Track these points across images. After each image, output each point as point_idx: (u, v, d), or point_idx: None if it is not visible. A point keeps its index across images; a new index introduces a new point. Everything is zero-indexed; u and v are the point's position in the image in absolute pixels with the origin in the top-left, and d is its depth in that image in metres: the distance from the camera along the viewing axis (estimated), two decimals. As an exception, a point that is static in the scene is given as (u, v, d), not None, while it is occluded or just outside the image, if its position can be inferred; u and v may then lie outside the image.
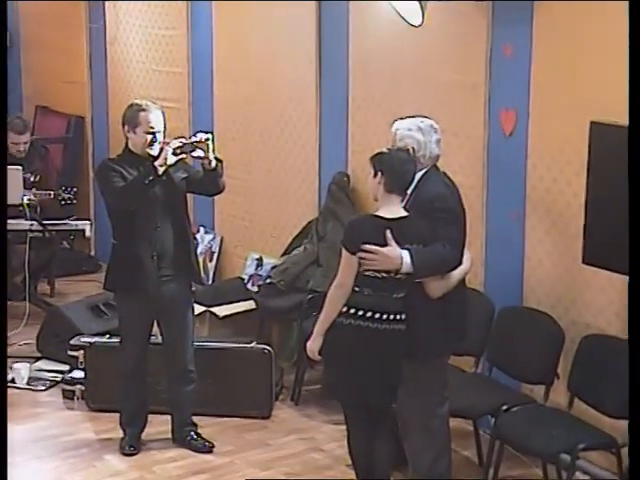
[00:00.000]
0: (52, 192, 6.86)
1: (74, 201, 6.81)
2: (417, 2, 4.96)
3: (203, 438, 5.19)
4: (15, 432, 5.36)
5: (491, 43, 5.09)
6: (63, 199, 6.72)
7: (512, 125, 5.04)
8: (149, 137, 4.88)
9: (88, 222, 7.07)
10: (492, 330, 4.73)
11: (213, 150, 4.85)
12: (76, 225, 6.90)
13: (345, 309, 4.02)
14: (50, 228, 6.75)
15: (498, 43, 5.06)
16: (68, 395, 5.76)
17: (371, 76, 5.84)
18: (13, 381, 5.96)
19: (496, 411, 4.52)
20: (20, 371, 5.99)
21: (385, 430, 4.27)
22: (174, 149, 4.77)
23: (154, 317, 5.11)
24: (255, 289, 6.16)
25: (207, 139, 4.80)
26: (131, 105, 4.98)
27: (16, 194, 6.64)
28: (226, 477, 4.89)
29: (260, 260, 6.51)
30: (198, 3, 7.14)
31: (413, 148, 4.20)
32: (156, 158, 4.80)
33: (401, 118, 4.31)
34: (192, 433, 5.19)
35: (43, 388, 5.95)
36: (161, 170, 4.76)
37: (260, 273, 6.37)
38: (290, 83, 6.41)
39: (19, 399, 5.79)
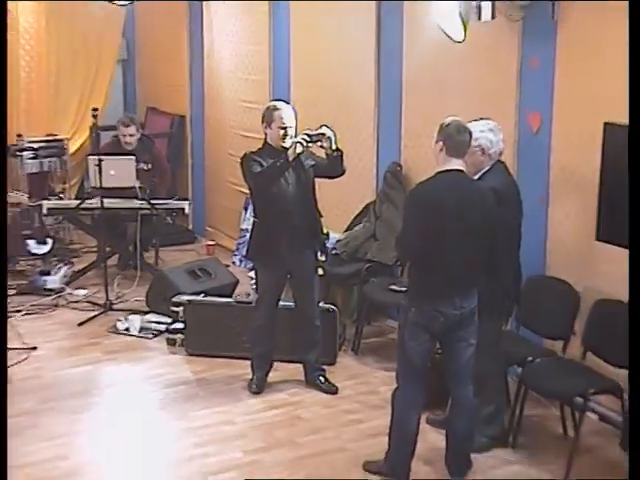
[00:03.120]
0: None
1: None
2: (460, 21, 4.90)
3: (329, 382, 5.21)
4: (130, 371, 5.53)
5: (521, 56, 5.06)
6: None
7: (538, 124, 5.02)
8: (282, 132, 4.90)
9: (187, 202, 7.12)
10: (521, 294, 4.73)
11: (335, 142, 4.87)
12: (177, 204, 6.96)
13: None
14: (156, 207, 6.83)
15: (527, 56, 5.04)
16: (171, 342, 5.86)
17: (420, 87, 5.84)
18: (128, 330, 6.07)
19: (523, 362, 4.50)
20: (134, 322, 6.10)
21: None
22: (301, 140, 4.78)
23: (285, 283, 5.12)
24: (323, 258, 6.19)
25: (327, 135, 4.83)
26: (268, 106, 5.00)
27: (129, 178, 6.73)
28: (297, 412, 4.93)
29: (327, 235, 6.51)
30: (278, 22, 7.18)
31: (487, 146, 4.21)
32: (288, 149, 4.84)
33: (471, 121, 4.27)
34: (320, 377, 5.22)
35: (151, 336, 6.02)
36: (291, 157, 4.79)
37: (327, 245, 6.40)
38: (353, 91, 6.42)
39: (133, 345, 5.91)
